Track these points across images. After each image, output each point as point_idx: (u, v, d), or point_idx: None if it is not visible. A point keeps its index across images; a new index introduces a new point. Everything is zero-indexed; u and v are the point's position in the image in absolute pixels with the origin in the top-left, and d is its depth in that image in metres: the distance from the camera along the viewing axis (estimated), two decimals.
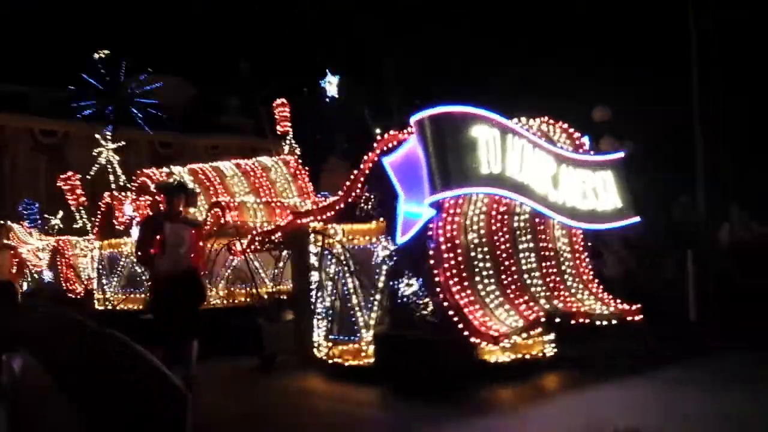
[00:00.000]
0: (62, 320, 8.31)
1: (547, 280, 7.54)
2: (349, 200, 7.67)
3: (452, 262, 6.67)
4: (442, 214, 6.67)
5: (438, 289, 6.64)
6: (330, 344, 7.70)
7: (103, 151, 14.16)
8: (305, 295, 8.49)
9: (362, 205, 7.31)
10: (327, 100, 10.68)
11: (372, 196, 7.27)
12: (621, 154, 7.91)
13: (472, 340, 6.41)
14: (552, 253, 7.70)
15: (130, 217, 11.91)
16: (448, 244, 6.69)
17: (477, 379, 6.79)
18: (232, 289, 11.55)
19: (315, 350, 7.86)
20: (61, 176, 13.38)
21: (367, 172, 7.46)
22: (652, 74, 17.50)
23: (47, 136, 30.71)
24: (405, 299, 6.88)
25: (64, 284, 14.02)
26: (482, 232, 7.03)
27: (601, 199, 7.52)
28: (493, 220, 7.11)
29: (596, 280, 8.04)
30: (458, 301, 6.56)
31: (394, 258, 6.97)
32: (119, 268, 11.96)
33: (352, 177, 7.62)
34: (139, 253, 6.71)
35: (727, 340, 8.34)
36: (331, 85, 10.66)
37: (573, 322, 7.20)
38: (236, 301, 11.39)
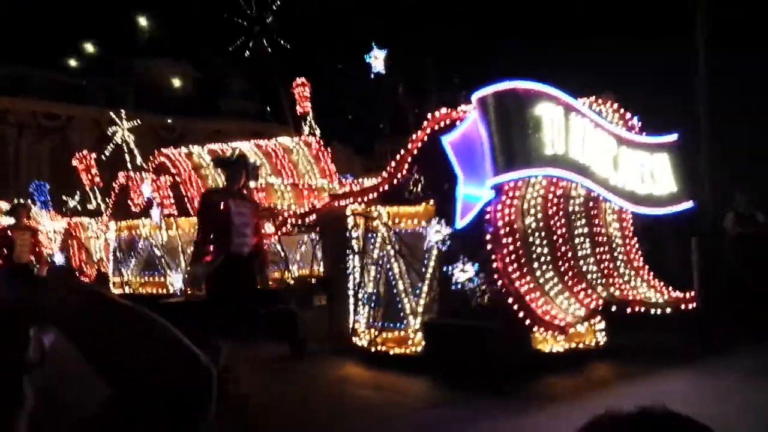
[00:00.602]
0: (90, 295, 7.98)
1: (602, 266, 7.24)
2: (394, 182, 7.32)
3: (511, 248, 6.35)
4: (502, 197, 6.34)
5: (496, 276, 6.33)
6: (373, 331, 7.39)
7: (118, 130, 13.70)
8: (341, 279, 8.18)
9: (411, 187, 6.96)
10: (372, 76, 10.24)
11: (420, 178, 6.92)
12: (676, 137, 7.58)
13: (534, 328, 6.11)
14: (605, 239, 7.40)
15: (149, 198, 11.54)
16: (507, 229, 6.36)
17: (532, 370, 6.51)
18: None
19: (355, 337, 7.55)
20: (77, 155, 12.94)
21: (415, 152, 7.12)
22: (655, 63, 17.15)
23: (50, 120, 30.21)
24: (459, 286, 6.55)
25: (76, 267, 13.62)
26: (539, 216, 6.71)
27: (657, 183, 7.21)
28: (549, 204, 6.80)
29: (647, 267, 7.75)
30: (518, 289, 6.25)
31: (448, 242, 6.63)
32: (137, 251, 11.59)
33: (398, 157, 7.26)
34: (202, 237, 6.12)
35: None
36: (377, 60, 10.21)
37: (629, 310, 6.91)
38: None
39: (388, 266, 7.28)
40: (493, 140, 5.96)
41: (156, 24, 25.96)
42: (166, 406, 1.00)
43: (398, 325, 7.22)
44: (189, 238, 11.24)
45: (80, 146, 21.51)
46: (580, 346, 7.03)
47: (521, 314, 6.18)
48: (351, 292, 7.96)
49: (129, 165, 12.93)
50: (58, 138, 29.89)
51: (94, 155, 12.92)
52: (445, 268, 6.62)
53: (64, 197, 15.52)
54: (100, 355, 1.04)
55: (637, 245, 7.81)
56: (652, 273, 7.68)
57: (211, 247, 5.90)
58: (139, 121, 13.95)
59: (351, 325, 7.69)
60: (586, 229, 7.15)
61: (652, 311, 7.07)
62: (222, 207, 5.95)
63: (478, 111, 6.13)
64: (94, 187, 13.02)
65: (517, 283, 6.27)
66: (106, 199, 12.84)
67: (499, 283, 6.32)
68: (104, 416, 1.02)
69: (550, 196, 6.79)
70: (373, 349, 7.34)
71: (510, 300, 6.25)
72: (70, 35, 26.61)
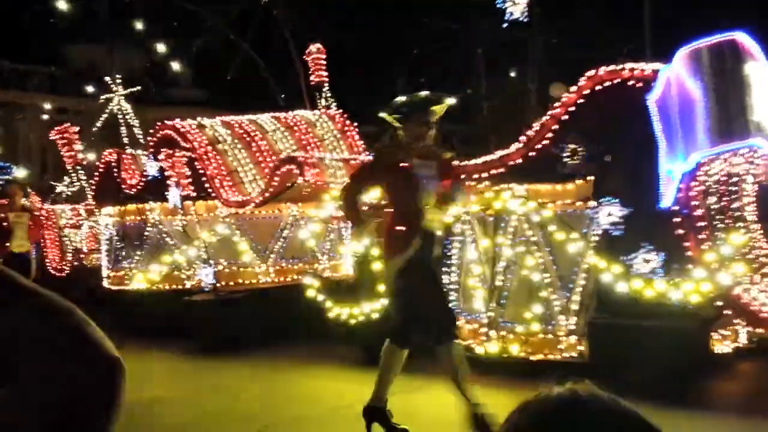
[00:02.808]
0: None
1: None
2: (531, 153, 6.12)
3: (707, 233, 5.31)
4: (697, 173, 5.28)
5: (691, 266, 5.28)
6: (506, 334, 6.19)
7: (113, 97, 11.63)
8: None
9: (566, 158, 5.77)
10: (505, 24, 8.83)
11: (578, 148, 5.75)
12: None
13: (752, 326, 5.12)
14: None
15: (155, 177, 9.78)
16: (700, 211, 5.32)
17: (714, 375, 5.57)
18: (283, 264, 9.77)
19: (477, 343, 6.34)
20: (56, 128, 10.83)
21: (564, 117, 5.93)
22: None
23: None
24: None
25: (47, 261, 11.56)
26: (719, 196, 5.71)
27: None
28: (730, 181, 5.81)
29: None
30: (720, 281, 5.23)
31: (622, 227, 5.51)
32: (144, 240, 9.80)
33: (541, 123, 6.05)
34: (351, 196, 4.57)
35: None
36: (516, 5, 8.79)
37: None
38: (288, 279, 9.64)
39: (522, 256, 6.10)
40: (709, 105, 4.87)
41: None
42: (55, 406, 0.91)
43: (536, 326, 6.05)
44: (209, 224, 9.61)
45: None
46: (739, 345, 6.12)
47: (727, 311, 5.17)
48: (454, 287, 6.75)
49: (126, 140, 10.99)
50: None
51: (76, 128, 10.86)
52: (624, 258, 5.49)
53: (52, 183, 13.20)
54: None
55: None
56: None
57: (397, 228, 4.46)
58: (139, 87, 11.88)
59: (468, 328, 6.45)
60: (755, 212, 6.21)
61: None
62: (408, 172, 4.52)
63: (687, 68, 5.01)
64: (77, 166, 10.98)
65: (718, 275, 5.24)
66: (90, 180, 10.89)
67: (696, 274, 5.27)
68: None
69: (730, 171, 5.79)
70: (504, 355, 6.15)
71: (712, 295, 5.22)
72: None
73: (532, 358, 6.06)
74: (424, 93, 4.82)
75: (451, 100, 4.57)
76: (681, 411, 4.80)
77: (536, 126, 6.10)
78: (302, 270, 9.63)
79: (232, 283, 9.20)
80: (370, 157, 4.79)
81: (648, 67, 5.48)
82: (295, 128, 10.58)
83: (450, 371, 4.43)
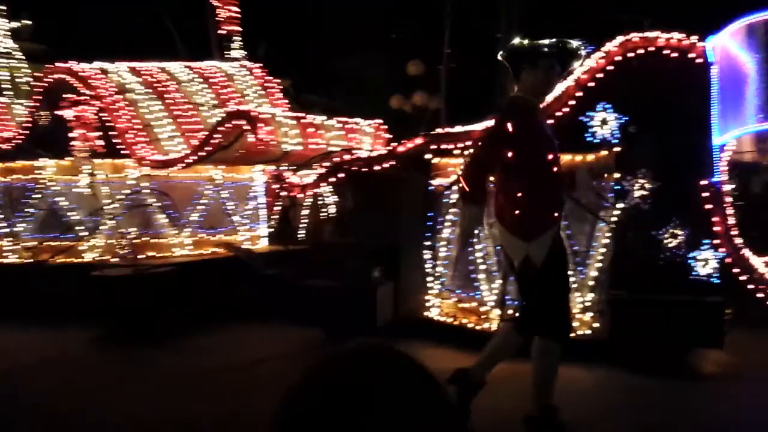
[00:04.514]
0: None
1: None
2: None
3: (731, 210, 5.30)
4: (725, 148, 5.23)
5: (717, 241, 5.23)
6: (513, 312, 5.81)
7: None
8: (417, 247, 6.41)
9: (595, 127, 5.46)
10: None
11: (607, 117, 5.46)
12: None
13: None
14: None
15: (45, 129, 8.13)
16: (728, 186, 5.30)
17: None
18: (201, 235, 8.61)
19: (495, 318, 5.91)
20: None
21: (590, 83, 5.60)
22: None
23: None
24: (665, 254, 5.31)
25: None
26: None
27: None
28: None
29: None
30: (745, 257, 5.24)
31: (648, 201, 5.33)
32: (30, 205, 8.10)
33: (562, 90, 5.66)
34: (473, 189, 3.83)
35: None
36: None
37: None
38: (206, 252, 8.53)
39: None
40: (764, 80, 4.78)
41: None
42: None
43: None
44: (118, 185, 8.17)
45: None
46: None
47: (751, 286, 5.19)
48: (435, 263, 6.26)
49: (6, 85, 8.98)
50: None
51: None
52: (655, 233, 5.30)
53: None
54: None
55: None
56: None
57: (538, 202, 3.80)
58: (29, 22, 9.61)
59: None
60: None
61: None
62: (549, 135, 3.88)
63: (741, 42, 4.88)
64: None
65: (744, 251, 5.26)
66: None
67: (721, 250, 5.23)
68: None
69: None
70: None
71: (736, 270, 5.21)
72: None
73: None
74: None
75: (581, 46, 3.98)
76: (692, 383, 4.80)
77: (556, 92, 5.71)
78: (222, 242, 8.60)
79: (141, 256, 7.87)
80: (496, 118, 4.00)
81: (685, 38, 5.29)
82: (212, 80, 9.35)
83: (540, 368, 3.95)
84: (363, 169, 6.46)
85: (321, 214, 9.62)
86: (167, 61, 9.49)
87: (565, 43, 3.89)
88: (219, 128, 7.27)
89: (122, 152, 8.01)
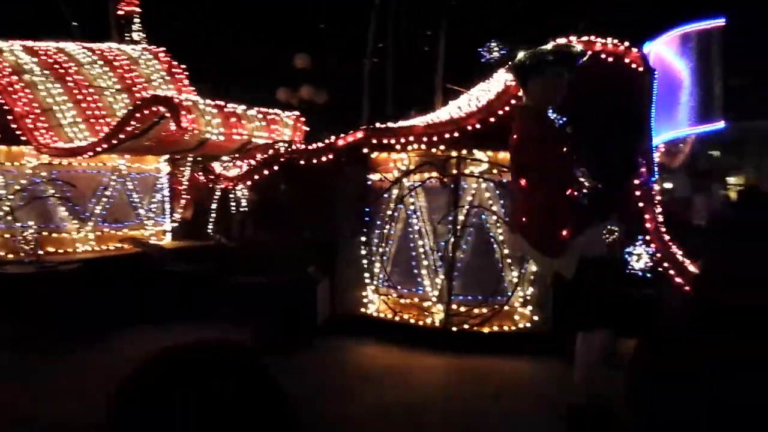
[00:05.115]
0: None
1: None
2: (491, 119, 5.83)
3: (660, 208, 5.67)
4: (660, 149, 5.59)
5: (648, 238, 5.58)
6: (456, 308, 5.88)
7: None
8: (354, 242, 6.34)
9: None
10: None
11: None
12: None
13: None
14: None
15: None
16: (657, 186, 5.66)
17: None
18: (105, 230, 8.01)
19: (438, 313, 5.93)
20: None
21: None
22: None
23: None
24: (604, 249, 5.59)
25: None
26: None
27: None
28: None
29: None
30: (673, 252, 5.63)
31: (591, 199, 5.58)
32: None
33: (502, 89, 5.76)
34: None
35: None
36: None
37: None
38: (110, 247, 7.95)
39: (485, 229, 5.84)
40: (695, 86, 5.16)
41: None
42: None
43: (488, 299, 5.85)
44: (15, 175, 7.37)
45: None
46: None
47: (678, 279, 5.59)
48: (378, 257, 6.22)
49: None
50: None
51: None
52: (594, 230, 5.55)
53: None
54: None
55: None
56: None
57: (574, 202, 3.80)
58: None
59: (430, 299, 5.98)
60: None
61: None
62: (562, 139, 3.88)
63: (676, 49, 5.22)
64: None
65: (672, 247, 5.65)
66: None
67: (652, 246, 5.60)
68: None
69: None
70: (454, 329, 5.84)
71: (666, 265, 5.59)
72: None
73: (485, 330, 5.86)
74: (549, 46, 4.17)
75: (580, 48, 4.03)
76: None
77: (496, 90, 5.82)
78: (126, 237, 8.05)
79: (41, 252, 7.17)
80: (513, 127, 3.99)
81: (620, 43, 5.57)
82: (115, 63, 8.68)
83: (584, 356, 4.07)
84: (301, 162, 6.25)
85: (232, 209, 9.25)
86: (62, 42, 8.71)
87: (569, 48, 3.97)
88: (136, 114, 6.74)
89: (20, 138, 7.24)
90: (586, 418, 4.07)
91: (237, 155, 7.62)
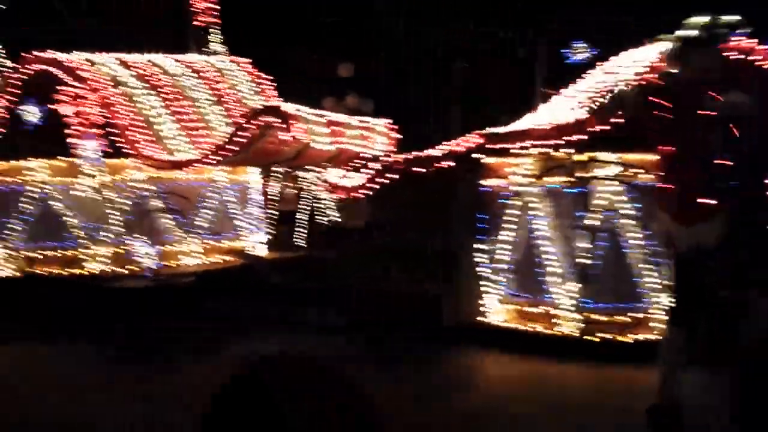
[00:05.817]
0: None
1: None
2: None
3: None
4: None
5: None
6: (589, 315, 5.74)
7: None
8: (469, 252, 6.22)
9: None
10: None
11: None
12: None
13: None
14: None
15: (31, 126, 7.28)
16: None
17: None
18: (209, 242, 8.00)
19: (568, 321, 5.79)
20: None
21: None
22: None
23: None
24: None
25: None
26: None
27: None
28: None
29: None
30: None
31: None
32: (22, 210, 7.19)
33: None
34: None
35: None
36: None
37: None
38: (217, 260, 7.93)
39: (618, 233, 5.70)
40: None
41: None
42: None
43: (626, 306, 5.70)
44: (120, 188, 7.41)
45: None
46: None
47: None
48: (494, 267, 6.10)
49: None
50: None
51: None
52: None
53: None
54: None
55: None
56: None
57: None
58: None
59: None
60: None
61: None
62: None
63: None
64: None
65: None
66: None
67: None
68: None
69: None
70: (586, 338, 5.70)
71: None
72: None
73: (620, 338, 5.70)
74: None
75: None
76: None
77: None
78: (232, 249, 8.05)
79: (161, 265, 7.20)
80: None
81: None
82: (205, 74, 8.70)
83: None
84: (418, 170, 6.16)
85: (318, 219, 9.20)
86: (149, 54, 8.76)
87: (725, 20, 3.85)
88: (247, 125, 6.72)
89: (124, 152, 7.28)
90: (665, 417, 3.94)
91: (329, 164, 7.58)
